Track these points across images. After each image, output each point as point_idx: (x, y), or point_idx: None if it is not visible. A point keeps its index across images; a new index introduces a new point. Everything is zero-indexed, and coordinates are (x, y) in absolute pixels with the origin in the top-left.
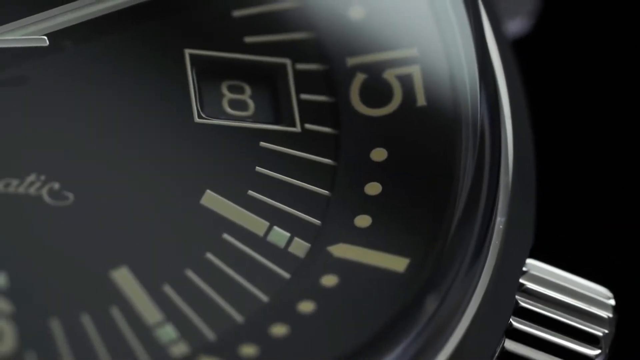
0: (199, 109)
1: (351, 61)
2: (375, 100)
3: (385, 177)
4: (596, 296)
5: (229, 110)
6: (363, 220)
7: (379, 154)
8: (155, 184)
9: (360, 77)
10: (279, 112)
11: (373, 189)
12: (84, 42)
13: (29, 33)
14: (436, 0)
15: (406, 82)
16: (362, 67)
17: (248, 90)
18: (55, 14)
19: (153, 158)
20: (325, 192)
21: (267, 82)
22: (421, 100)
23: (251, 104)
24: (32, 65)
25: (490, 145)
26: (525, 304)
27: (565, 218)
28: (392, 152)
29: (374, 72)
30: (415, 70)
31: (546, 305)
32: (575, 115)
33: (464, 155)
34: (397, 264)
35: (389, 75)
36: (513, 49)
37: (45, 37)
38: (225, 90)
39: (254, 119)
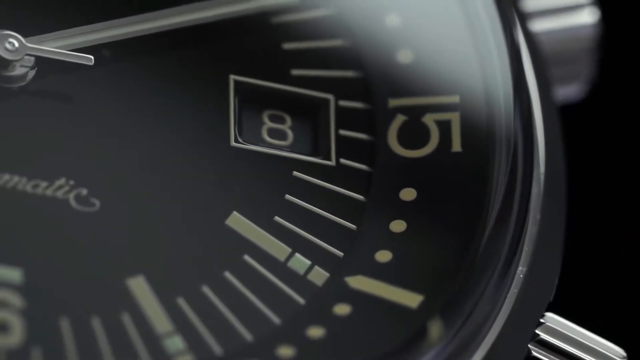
0: (237, 133)
1: (393, 102)
2: (411, 142)
3: (411, 216)
4: (610, 354)
5: (267, 138)
6: (384, 255)
7: (408, 194)
8: (182, 200)
9: (400, 119)
10: (317, 144)
11: (398, 226)
12: (129, 58)
13: (76, 44)
14: (483, 49)
15: (444, 128)
16: (403, 109)
17: (289, 120)
18: (105, 27)
19: (184, 175)
20: (351, 225)
21: (308, 114)
22: (456, 146)
23: (290, 134)
24: (77, 74)
25: (520, 196)
26: (537, 353)
27: (586, 274)
28: (421, 193)
29: (414, 115)
30: (454, 117)
31: (558, 358)
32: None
33: (492, 204)
34: (411, 300)
35: (428, 119)
36: (564, 113)
37: (92, 57)
38: (265, 119)
39: (291, 149)
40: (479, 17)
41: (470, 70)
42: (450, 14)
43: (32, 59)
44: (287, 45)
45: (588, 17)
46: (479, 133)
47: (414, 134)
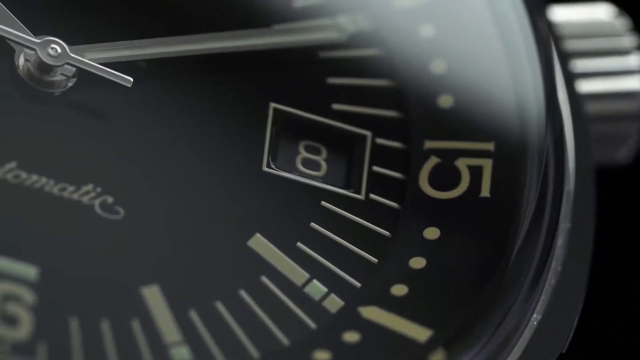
0: (271, 159)
1: (429, 144)
2: (441, 184)
3: (432, 254)
4: None
5: (300, 167)
6: (400, 289)
7: (432, 233)
8: (207, 217)
9: (433, 160)
10: (349, 178)
11: (418, 263)
12: (171, 77)
13: (119, 57)
14: (523, 100)
15: (475, 172)
16: (438, 151)
17: (324, 152)
18: (150, 44)
19: (211, 192)
20: (372, 259)
21: (344, 148)
22: (485, 191)
23: (324, 165)
24: (116, 87)
25: (543, 245)
26: None
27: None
28: (444, 233)
29: (448, 157)
30: (487, 163)
31: None
32: None
33: (514, 252)
34: (420, 333)
35: (461, 163)
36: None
37: (131, 79)
38: (301, 149)
39: (323, 179)
40: (523, 69)
41: (508, 119)
42: (495, 62)
43: (73, 68)
44: (332, 80)
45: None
46: (508, 181)
47: (445, 176)
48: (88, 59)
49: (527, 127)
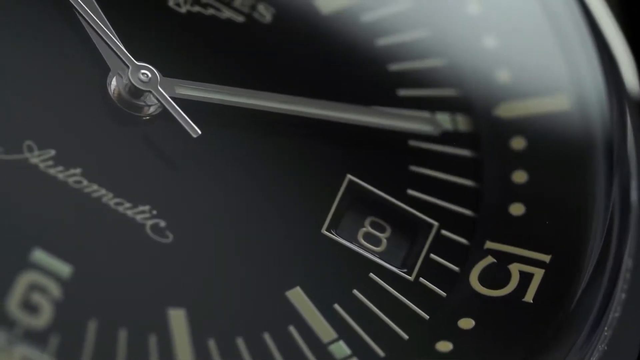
0: (332, 224)
1: (490, 244)
2: (490, 282)
3: (461, 341)
4: None
5: (361, 239)
6: None
7: (466, 323)
8: (253, 260)
9: (489, 260)
10: (405, 259)
11: (444, 346)
12: (255, 127)
13: (207, 98)
14: (583, 217)
15: (525, 279)
16: (496, 253)
17: (388, 231)
18: (238, 93)
19: (263, 239)
20: (403, 335)
21: (409, 232)
22: (529, 297)
23: (385, 243)
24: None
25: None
26: None
27: None
28: (478, 325)
29: (504, 260)
30: (538, 273)
31: None
32: None
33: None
34: None
35: (514, 267)
36: None
37: (199, 131)
38: (366, 223)
39: (380, 256)
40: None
41: (568, 235)
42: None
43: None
44: (414, 168)
45: None
46: (553, 293)
47: (495, 276)
48: (177, 93)
49: (583, 242)
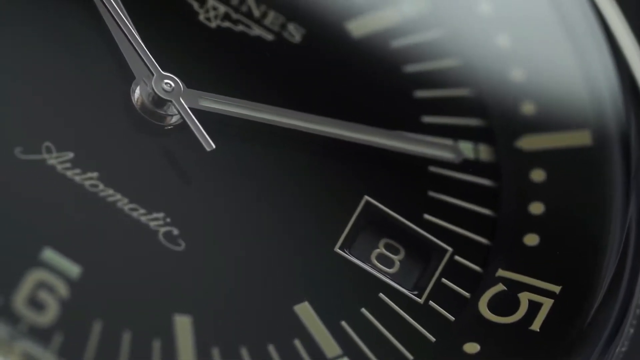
0: (346, 244)
1: (502, 272)
2: (498, 309)
3: None
4: None
5: (374, 260)
6: None
7: (472, 347)
8: (263, 273)
9: (499, 287)
10: (417, 282)
11: None
12: (275, 144)
13: (229, 112)
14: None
15: (533, 307)
16: (507, 281)
17: (402, 254)
18: (264, 110)
19: (275, 253)
20: (409, 355)
21: (423, 256)
22: (536, 326)
23: (397, 265)
24: (215, 139)
25: None
26: None
27: None
28: (484, 350)
29: (514, 288)
30: (547, 302)
31: None
32: None
33: None
34: None
35: (524, 296)
36: None
37: (213, 145)
38: (381, 244)
39: (392, 277)
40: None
41: (580, 268)
42: (586, 202)
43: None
44: (433, 194)
45: None
46: (561, 325)
47: (504, 303)
48: (200, 105)
49: (596, 280)
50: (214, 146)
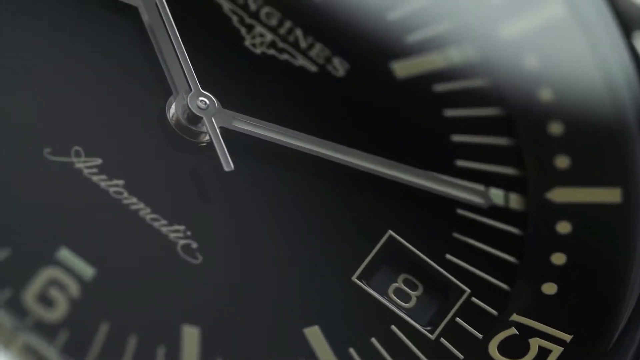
0: (363, 274)
1: (516, 317)
2: (507, 352)
3: None
4: None
5: (390, 294)
6: None
7: None
8: (275, 294)
9: (511, 331)
10: (431, 319)
11: None
12: (306, 170)
13: (261, 135)
14: (612, 305)
15: (542, 353)
16: (520, 325)
17: (420, 290)
18: (297, 137)
19: (290, 276)
20: None
21: (441, 294)
22: None
23: (414, 301)
24: (247, 160)
25: None
26: None
27: None
28: None
29: (526, 333)
30: (556, 350)
31: None
32: None
33: None
34: None
35: (535, 341)
36: None
37: (232, 166)
38: (399, 279)
39: (407, 312)
40: None
41: (593, 319)
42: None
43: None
44: (457, 235)
45: None
46: None
47: (514, 347)
48: (233, 125)
49: (608, 331)
50: (232, 167)
